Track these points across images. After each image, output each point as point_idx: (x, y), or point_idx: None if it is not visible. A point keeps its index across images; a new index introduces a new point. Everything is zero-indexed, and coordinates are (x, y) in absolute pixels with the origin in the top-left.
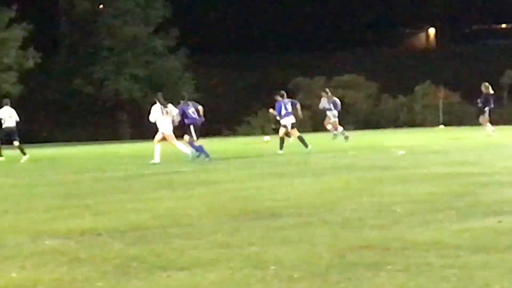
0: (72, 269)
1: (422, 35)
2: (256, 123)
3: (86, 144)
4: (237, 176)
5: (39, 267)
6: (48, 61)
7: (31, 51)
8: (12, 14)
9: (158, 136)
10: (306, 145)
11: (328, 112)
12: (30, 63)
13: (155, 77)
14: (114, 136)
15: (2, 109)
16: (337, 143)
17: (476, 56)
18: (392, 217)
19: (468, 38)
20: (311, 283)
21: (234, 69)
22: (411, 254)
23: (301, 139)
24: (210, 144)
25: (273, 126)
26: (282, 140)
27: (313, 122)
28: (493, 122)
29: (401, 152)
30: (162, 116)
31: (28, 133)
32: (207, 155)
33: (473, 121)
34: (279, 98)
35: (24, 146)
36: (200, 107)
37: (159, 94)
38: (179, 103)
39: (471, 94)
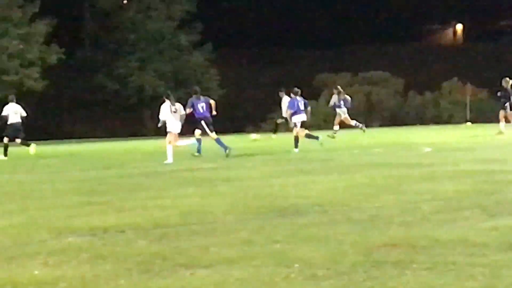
0: (95, 266)
1: (450, 31)
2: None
3: (109, 141)
4: (261, 173)
5: (62, 264)
6: (71, 57)
7: (54, 46)
8: (36, 9)
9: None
10: (296, 146)
11: (337, 109)
12: (53, 59)
13: (179, 73)
14: (137, 132)
15: (7, 105)
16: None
17: (503, 53)
18: (418, 215)
19: (495, 35)
20: (336, 281)
21: (259, 64)
22: (437, 253)
23: (296, 139)
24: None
25: (279, 120)
26: (296, 139)
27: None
28: None
29: (427, 149)
30: (171, 114)
31: (50, 129)
32: (226, 148)
33: None
34: (291, 95)
35: (47, 142)
36: (212, 102)
37: (168, 93)
38: (190, 97)
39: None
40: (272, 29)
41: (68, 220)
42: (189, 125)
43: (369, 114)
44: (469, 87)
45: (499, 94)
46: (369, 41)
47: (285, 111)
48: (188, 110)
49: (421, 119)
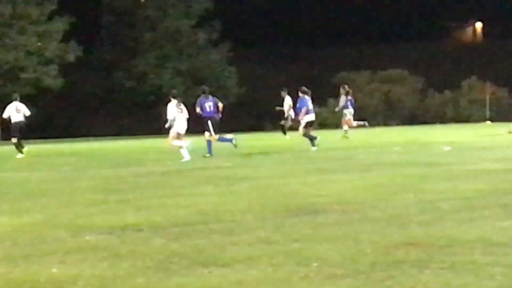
0: (113, 265)
1: (469, 29)
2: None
3: (127, 139)
4: (280, 172)
5: (80, 263)
6: (89, 55)
7: (72, 44)
8: (54, 6)
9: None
10: (313, 144)
11: (344, 110)
12: (71, 57)
13: (197, 71)
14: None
15: (10, 104)
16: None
17: None
18: (438, 214)
19: None
20: (355, 281)
21: (277, 63)
22: (456, 252)
23: (309, 137)
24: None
25: (283, 122)
26: (311, 137)
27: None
28: None
29: (447, 148)
30: (177, 114)
31: (68, 127)
32: (231, 140)
33: None
34: (299, 94)
35: (64, 140)
36: (220, 104)
37: (174, 92)
38: (199, 96)
39: None
40: (291, 27)
41: (86, 218)
42: (195, 125)
43: (388, 113)
44: (488, 85)
45: None
46: (388, 40)
47: (287, 110)
48: (198, 109)
49: (440, 118)
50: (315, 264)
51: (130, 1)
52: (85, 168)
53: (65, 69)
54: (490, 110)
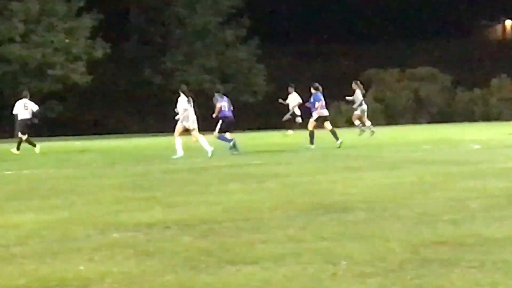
0: (141, 262)
1: (498, 27)
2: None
3: (155, 135)
4: (308, 169)
5: (107, 260)
6: (117, 51)
7: (100, 40)
8: (82, 3)
9: (188, 131)
10: (312, 142)
11: (359, 107)
12: (99, 53)
13: (225, 68)
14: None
15: (19, 101)
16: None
17: None
18: (467, 212)
19: None
20: (384, 279)
21: (306, 59)
22: (486, 251)
23: (311, 135)
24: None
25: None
26: (333, 132)
27: (385, 115)
28: None
29: (476, 146)
30: (189, 108)
31: (95, 124)
32: (231, 140)
33: None
34: (311, 90)
35: (92, 136)
36: (218, 105)
37: (184, 86)
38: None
39: None
40: (319, 24)
41: (113, 215)
42: (208, 123)
43: (417, 111)
44: None
45: None
46: (416, 37)
47: (293, 106)
48: (219, 105)
49: (469, 116)
50: (343, 263)
51: None
52: (112, 165)
53: (93, 66)
54: None
